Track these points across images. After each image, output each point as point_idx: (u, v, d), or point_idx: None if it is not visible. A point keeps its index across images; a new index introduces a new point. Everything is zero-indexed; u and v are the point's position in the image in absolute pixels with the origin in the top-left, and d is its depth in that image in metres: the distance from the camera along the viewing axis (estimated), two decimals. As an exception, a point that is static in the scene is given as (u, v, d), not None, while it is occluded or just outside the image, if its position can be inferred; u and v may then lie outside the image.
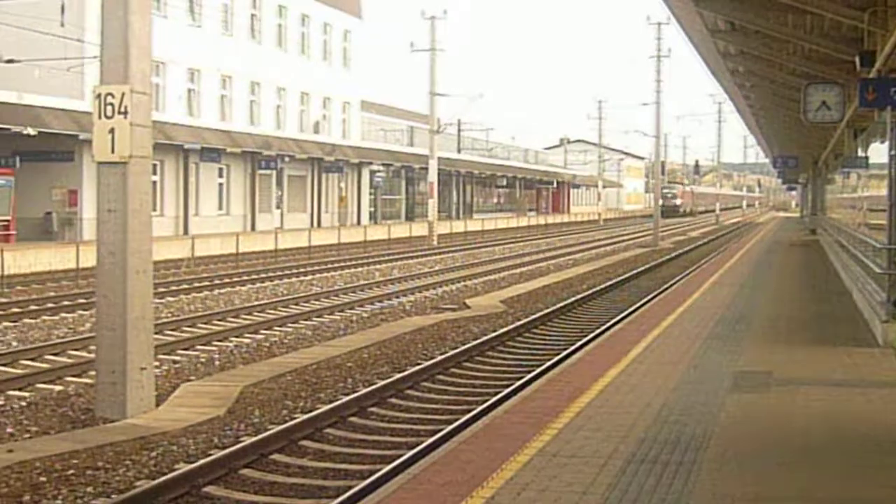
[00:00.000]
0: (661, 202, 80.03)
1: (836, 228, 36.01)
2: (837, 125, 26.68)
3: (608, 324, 21.36)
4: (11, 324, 21.96)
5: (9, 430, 12.82)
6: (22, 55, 39.05)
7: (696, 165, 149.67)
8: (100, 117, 13.20)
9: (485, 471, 8.47)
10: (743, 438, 9.72)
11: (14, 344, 19.61)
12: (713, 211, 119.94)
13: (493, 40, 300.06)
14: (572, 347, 18.27)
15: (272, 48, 59.27)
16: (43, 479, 10.41)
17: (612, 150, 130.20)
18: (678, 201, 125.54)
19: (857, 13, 17.16)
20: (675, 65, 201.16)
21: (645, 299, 25.91)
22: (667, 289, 27.59)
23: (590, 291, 29.10)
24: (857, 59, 17.84)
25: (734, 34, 22.16)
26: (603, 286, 30.77)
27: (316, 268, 37.63)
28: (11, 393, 15.21)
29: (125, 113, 13.10)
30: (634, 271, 37.02)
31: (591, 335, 19.77)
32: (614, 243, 60.71)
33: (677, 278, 32.14)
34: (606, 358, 14.31)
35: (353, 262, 40.67)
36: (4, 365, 17.32)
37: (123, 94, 13.10)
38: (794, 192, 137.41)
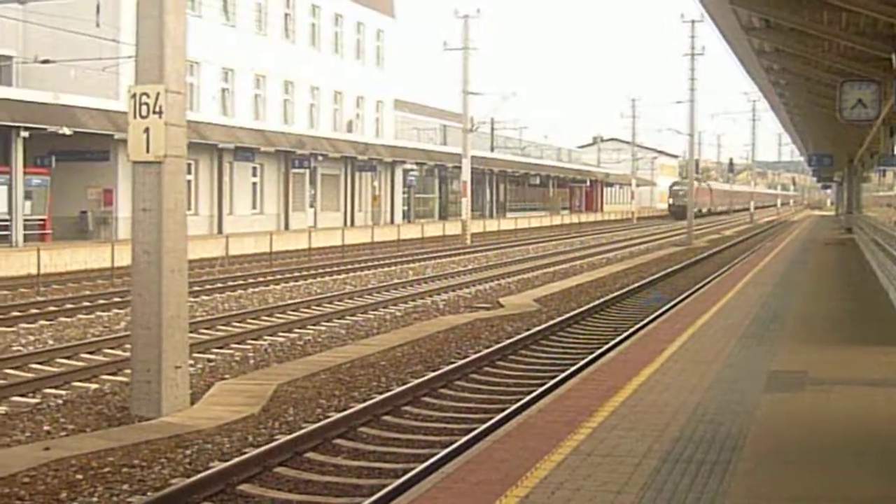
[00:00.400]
0: (670, 201, 78.09)
1: (871, 227, 35.75)
2: (873, 123, 26.47)
3: (642, 322, 21.29)
4: (48, 322, 22.10)
5: (45, 427, 12.91)
6: (58, 55, 39.35)
7: (731, 163, 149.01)
8: (135, 117, 13.27)
9: (519, 470, 8.45)
10: (778, 438, 9.66)
11: (50, 342, 19.74)
12: (746, 209, 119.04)
13: (526, 38, 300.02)
14: (606, 346, 18.23)
15: (306, 47, 59.43)
16: (79, 476, 10.48)
17: (646, 148, 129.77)
18: (685, 201, 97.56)
19: (893, 10, 17.01)
20: (709, 63, 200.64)
21: (679, 298, 25.80)
22: (701, 287, 27.48)
23: (623, 290, 29.02)
24: (893, 57, 17.70)
25: (769, 31, 22.03)
26: (637, 285, 30.69)
27: (349, 267, 37.70)
28: (48, 391, 15.33)
29: (160, 112, 13.16)
30: (668, 270, 36.89)
31: (625, 334, 19.72)
32: (648, 242, 60.53)
33: (711, 277, 32.01)
34: (640, 356, 14.25)
35: (387, 261, 40.71)
36: (41, 363, 17.45)
37: (158, 94, 13.16)
38: (829, 191, 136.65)
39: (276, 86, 57.04)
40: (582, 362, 16.53)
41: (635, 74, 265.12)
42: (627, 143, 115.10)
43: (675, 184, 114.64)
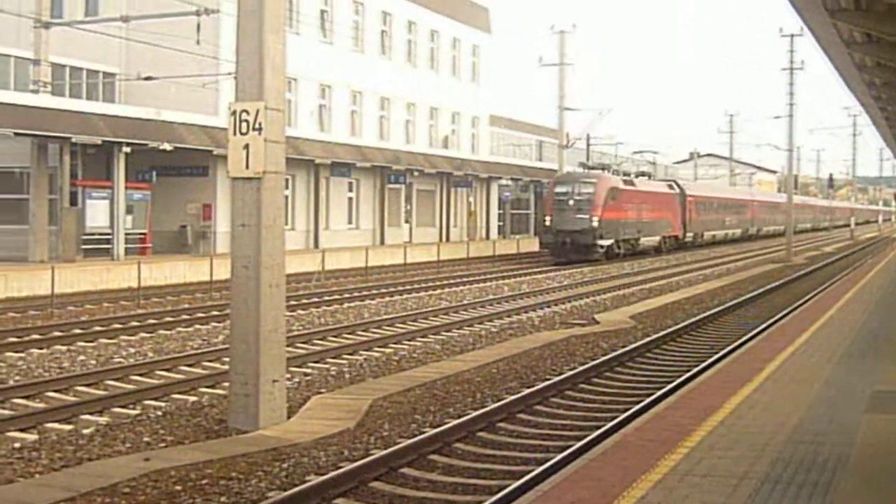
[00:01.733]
0: (546, 221, 51.16)
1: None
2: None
3: (740, 340, 21.02)
4: (148, 335, 22.45)
5: (145, 438, 13.10)
6: (159, 72, 40.04)
7: (830, 179, 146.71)
8: (234, 133, 13.43)
9: (615, 489, 8.38)
10: (881, 460, 9.47)
11: (150, 355, 20.05)
12: (847, 226, 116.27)
13: (622, 54, 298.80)
14: (703, 364, 18.02)
15: (402, 64, 59.77)
16: (178, 487, 10.61)
17: (743, 163, 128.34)
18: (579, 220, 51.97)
19: None
20: (809, 77, 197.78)
21: (778, 315, 25.43)
22: (800, 305, 27.07)
23: (721, 307, 28.69)
24: None
25: (870, 46, 21.68)
26: (734, 302, 30.31)
27: (444, 282, 37.77)
28: (148, 403, 15.57)
29: (259, 129, 13.31)
30: (766, 287, 36.38)
31: (723, 352, 19.48)
32: (746, 258, 59.75)
33: (811, 294, 31.51)
34: (739, 375, 14.08)
35: (482, 277, 40.71)
36: (141, 375, 17.74)
37: (258, 111, 13.31)
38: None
39: (372, 102, 57.43)
40: (679, 380, 16.36)
41: (733, 89, 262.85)
42: (725, 158, 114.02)
43: (557, 181, 55.52)
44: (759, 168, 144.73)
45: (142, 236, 39.75)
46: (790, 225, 64.64)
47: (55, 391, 16.22)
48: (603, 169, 57.68)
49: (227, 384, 14.73)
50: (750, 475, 8.82)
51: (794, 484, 8.55)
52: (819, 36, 21.32)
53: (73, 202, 37.39)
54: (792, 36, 64.26)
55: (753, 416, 11.33)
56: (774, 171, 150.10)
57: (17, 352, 19.69)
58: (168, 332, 22.91)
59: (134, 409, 15.23)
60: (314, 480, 10.61)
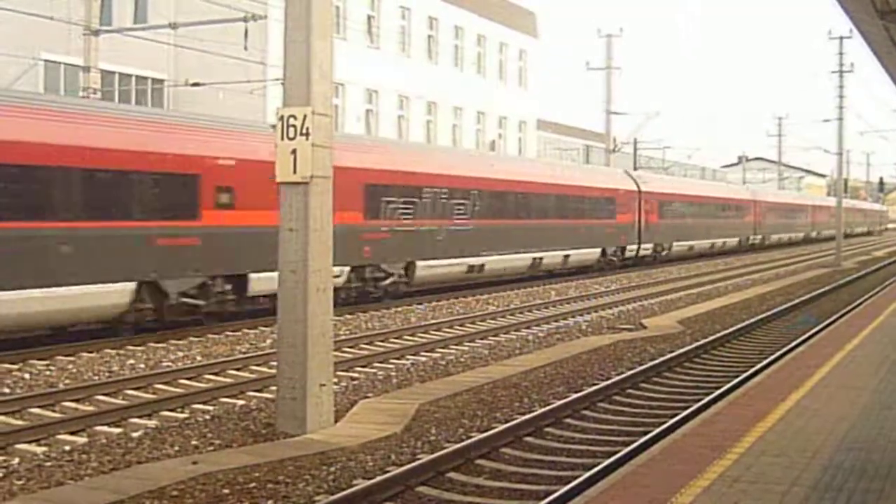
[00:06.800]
0: None
1: None
2: None
3: (789, 346, 20.87)
4: (196, 339, 22.57)
5: (193, 442, 13.17)
6: (207, 78, 40.26)
7: (881, 182, 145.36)
8: (282, 138, 13.49)
9: (664, 495, 8.34)
10: (934, 467, 9.36)
11: (199, 359, 20.16)
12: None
13: (669, 57, 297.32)
14: (752, 370, 17.90)
15: (448, 68, 59.80)
16: (226, 490, 10.66)
17: (792, 167, 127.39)
18: None
19: None
20: (858, 79, 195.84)
21: (827, 321, 25.22)
22: (850, 310, 26.83)
23: (769, 312, 28.49)
24: None
25: (922, 47, 21.49)
26: (783, 307, 30.10)
27: (491, 286, 37.68)
28: (196, 406, 15.66)
29: (307, 134, 13.35)
30: (816, 292, 36.09)
31: (772, 357, 19.34)
32: (795, 263, 59.33)
33: (861, 300, 31.22)
34: (788, 381, 13.97)
35: (528, 281, 40.57)
36: (190, 379, 17.86)
37: (305, 116, 13.36)
38: None
39: (419, 106, 57.51)
40: (728, 386, 16.26)
41: (781, 92, 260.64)
42: (773, 162, 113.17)
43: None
44: (807, 172, 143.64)
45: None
46: (840, 229, 64.01)
47: (105, 394, 16.36)
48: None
49: (274, 388, 14.78)
50: (800, 482, 8.75)
51: (844, 491, 8.47)
52: (869, 38, 21.15)
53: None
54: (841, 38, 63.73)
55: (803, 422, 11.23)
56: (824, 175, 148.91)
57: (67, 355, 19.86)
58: (216, 336, 23.02)
59: (182, 412, 15.33)
60: (361, 484, 10.63)
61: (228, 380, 17.94)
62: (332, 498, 10.13)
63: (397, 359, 20.45)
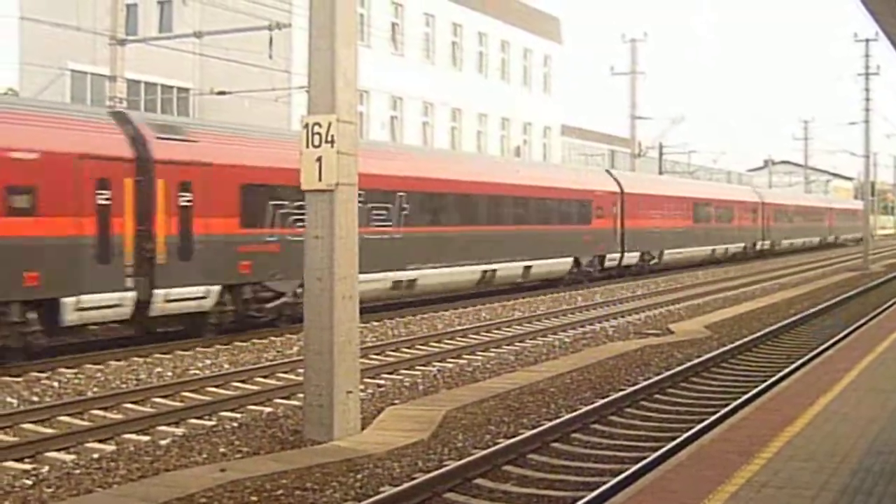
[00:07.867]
0: None
1: None
2: None
3: (817, 350, 20.77)
4: (223, 346, 22.64)
5: (221, 449, 13.20)
6: (232, 87, 40.37)
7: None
8: (307, 146, 13.51)
9: (692, 500, 8.31)
10: (964, 471, 9.30)
11: (226, 366, 20.22)
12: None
13: (694, 61, 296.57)
14: (780, 374, 17.82)
15: (473, 75, 59.82)
16: (254, 498, 10.68)
17: (819, 170, 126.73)
18: None
19: None
20: (885, 81, 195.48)
21: (856, 325, 25.09)
22: (879, 314, 26.68)
23: (797, 316, 28.36)
24: None
25: (949, 49, 21.37)
26: (811, 311, 29.96)
27: (517, 292, 37.62)
28: (224, 414, 15.71)
29: (332, 142, 13.37)
30: (844, 296, 35.91)
31: (800, 361, 19.25)
32: (822, 266, 59.05)
33: (890, 303, 31.05)
34: (816, 385, 13.90)
35: (555, 287, 40.48)
36: (217, 386, 17.92)
37: (330, 124, 13.38)
38: None
39: (443, 113, 57.54)
40: (755, 390, 16.19)
41: (805, 96, 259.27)
42: (800, 165, 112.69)
43: None
44: (834, 175, 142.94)
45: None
46: (867, 231, 63.70)
47: (133, 402, 16.43)
48: None
49: (301, 395, 14.80)
50: (829, 486, 8.70)
51: (873, 495, 8.43)
52: (894, 40, 21.03)
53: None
54: (867, 41, 63.47)
55: (832, 426, 11.18)
56: (851, 178, 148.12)
57: (96, 363, 19.96)
58: (243, 344, 23.08)
59: (210, 420, 15.38)
60: (388, 491, 10.63)
61: (255, 387, 17.98)
62: (359, 505, 10.14)
63: (424, 365, 20.46)
